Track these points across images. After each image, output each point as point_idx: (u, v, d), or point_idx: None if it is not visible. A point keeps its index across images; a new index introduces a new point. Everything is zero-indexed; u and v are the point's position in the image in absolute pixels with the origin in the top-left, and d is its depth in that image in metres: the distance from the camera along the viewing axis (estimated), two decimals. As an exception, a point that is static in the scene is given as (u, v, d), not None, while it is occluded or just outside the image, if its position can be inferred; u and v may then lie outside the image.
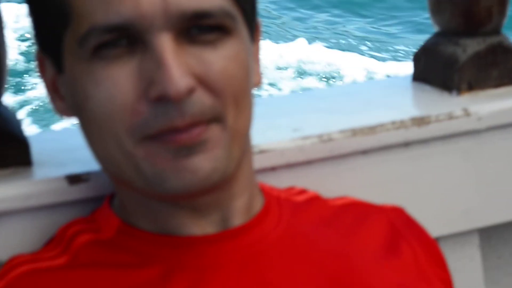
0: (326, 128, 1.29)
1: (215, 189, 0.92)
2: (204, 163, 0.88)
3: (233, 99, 0.91)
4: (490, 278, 1.59)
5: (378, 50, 11.68)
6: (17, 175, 1.15)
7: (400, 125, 1.33)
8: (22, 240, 1.13)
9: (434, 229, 1.19)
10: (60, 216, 1.10)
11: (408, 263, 1.08)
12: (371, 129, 1.31)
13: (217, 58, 0.89)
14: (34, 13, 0.97)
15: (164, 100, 0.85)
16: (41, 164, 1.19)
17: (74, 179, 1.12)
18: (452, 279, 1.14)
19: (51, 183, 1.13)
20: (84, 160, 1.10)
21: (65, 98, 0.99)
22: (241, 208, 0.99)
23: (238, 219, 0.98)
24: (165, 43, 0.85)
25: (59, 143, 1.29)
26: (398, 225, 1.13)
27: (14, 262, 1.01)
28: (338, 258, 1.05)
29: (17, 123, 1.25)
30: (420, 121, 1.35)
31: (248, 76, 0.95)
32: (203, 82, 0.88)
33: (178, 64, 0.85)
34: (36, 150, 1.20)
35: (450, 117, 1.38)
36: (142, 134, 0.87)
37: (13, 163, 1.17)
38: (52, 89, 1.01)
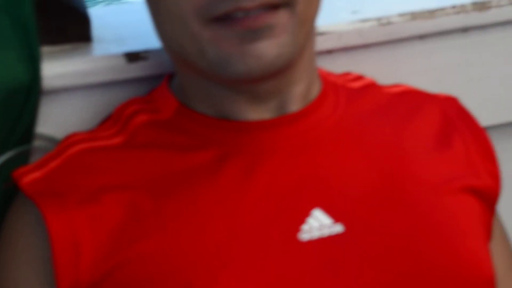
0: (385, 12, 1.27)
1: (277, 74, 0.92)
2: (270, 49, 0.88)
3: None
4: None
5: None
6: (76, 51, 1.16)
7: (460, 9, 1.30)
8: (78, 118, 1.15)
9: (485, 118, 1.19)
10: (117, 95, 1.12)
11: (459, 155, 1.08)
12: (431, 13, 1.29)
13: None
14: None
15: None
16: (101, 40, 1.19)
17: (133, 56, 1.13)
18: (500, 171, 1.13)
19: (110, 60, 1.13)
20: (145, 36, 1.11)
21: None
22: (299, 94, 1.00)
23: (295, 105, 0.99)
24: None
25: (121, 18, 1.28)
26: (451, 115, 1.12)
27: (71, 140, 1.03)
28: (391, 147, 1.06)
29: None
30: (481, 6, 1.32)
31: None
32: None
33: None
34: (97, 25, 1.20)
35: None
36: (210, 15, 0.87)
37: (73, 39, 1.17)
38: None
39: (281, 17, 0.87)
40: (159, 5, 0.93)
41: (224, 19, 0.86)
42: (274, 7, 0.86)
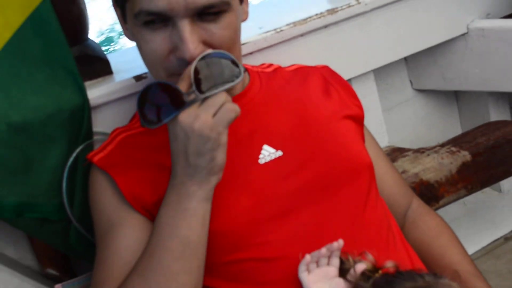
0: (277, 24, 1.63)
1: None
2: None
3: (227, 49, 1.11)
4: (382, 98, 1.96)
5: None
6: (104, 81, 1.45)
7: (320, 15, 1.67)
8: (115, 119, 1.40)
9: (346, 74, 1.49)
10: (132, 102, 1.28)
11: (336, 98, 1.35)
12: (304, 20, 1.65)
13: (217, 29, 1.10)
14: None
15: (183, 59, 1.08)
16: (118, 72, 1.46)
17: (138, 77, 1.43)
18: (361, 104, 1.41)
19: (126, 82, 1.43)
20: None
21: (128, 30, 1.20)
22: (238, 85, 1.23)
23: (238, 91, 1.26)
24: (185, 26, 1.07)
25: (128, 58, 1.49)
26: (326, 76, 1.40)
27: (116, 132, 1.28)
28: (297, 102, 1.31)
29: (100, 49, 1.50)
30: (332, 11, 1.68)
31: (236, 33, 1.16)
32: (208, 44, 1.10)
33: (192, 39, 1.06)
34: (114, 64, 1.48)
35: (349, 6, 1.71)
36: (170, 72, 1.13)
37: (101, 74, 1.47)
38: (121, 23, 1.22)
39: None
40: (145, 61, 1.18)
41: (178, 75, 1.09)
42: None
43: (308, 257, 1.06)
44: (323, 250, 1.06)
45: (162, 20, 1.08)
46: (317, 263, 1.08)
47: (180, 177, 1.05)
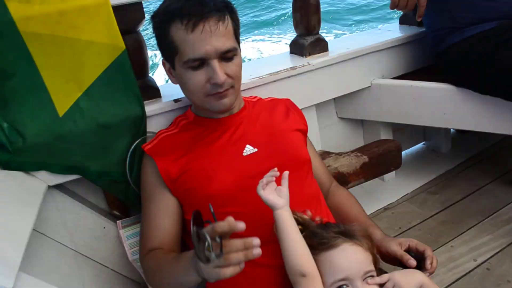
0: (260, 74, 1.60)
1: (229, 108, 1.22)
2: (227, 101, 1.19)
3: (237, 79, 1.17)
4: (319, 121, 1.94)
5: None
6: (155, 101, 1.43)
7: (286, 70, 1.66)
8: (160, 124, 1.39)
9: (299, 105, 1.44)
10: (172, 115, 1.38)
11: (291, 118, 1.33)
12: (276, 72, 1.63)
13: (233, 66, 1.15)
14: (160, 46, 1.20)
15: (216, 84, 1.13)
16: (164, 96, 1.46)
17: (177, 100, 1.42)
18: (307, 123, 1.38)
19: (168, 103, 1.41)
20: (179, 94, 1.31)
21: (174, 77, 1.22)
22: (236, 107, 1.28)
23: (235, 111, 1.28)
24: (216, 64, 1.11)
25: (173, 90, 1.43)
26: (288, 105, 1.39)
27: (160, 132, 1.30)
28: (268, 120, 1.31)
29: (154, 82, 1.47)
30: (293, 68, 1.68)
31: (241, 70, 1.19)
32: (228, 75, 1.14)
33: (220, 71, 1.11)
34: (162, 91, 1.47)
35: (303, 65, 1.69)
36: (207, 94, 1.16)
37: (154, 97, 1.46)
38: (169, 73, 1.23)
39: (230, 91, 1.18)
40: (187, 92, 1.21)
41: (213, 95, 1.16)
42: (228, 89, 1.17)
43: (263, 180, 1.03)
44: (270, 173, 1.04)
45: (201, 63, 1.11)
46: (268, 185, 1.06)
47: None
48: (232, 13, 1.15)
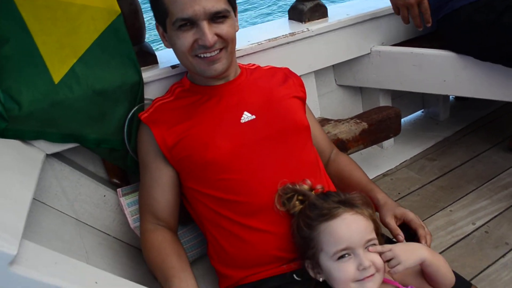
0: (259, 40, 1.58)
1: (223, 73, 1.20)
2: (219, 66, 1.17)
3: (230, 42, 1.14)
4: (318, 89, 1.94)
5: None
6: (153, 68, 1.41)
7: (284, 36, 1.63)
8: (157, 91, 1.39)
9: (298, 72, 1.44)
10: (170, 82, 1.36)
11: (290, 86, 1.32)
12: (275, 38, 1.61)
13: (224, 27, 1.12)
14: (153, 9, 1.18)
15: (204, 46, 1.11)
16: (161, 63, 1.44)
17: (174, 66, 1.40)
18: (306, 91, 1.36)
19: (165, 69, 1.37)
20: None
21: (167, 40, 1.19)
22: (232, 74, 1.26)
23: (232, 78, 1.26)
24: (204, 25, 1.09)
25: (170, 56, 1.36)
26: (286, 73, 1.38)
27: (156, 100, 1.27)
28: (266, 87, 1.29)
29: (151, 48, 1.46)
30: (292, 34, 1.65)
31: (234, 34, 1.17)
32: (219, 35, 1.12)
33: (209, 33, 1.09)
34: (159, 58, 1.44)
35: (302, 31, 1.67)
36: (194, 54, 1.14)
37: (151, 63, 1.42)
38: (162, 37, 1.21)
39: (221, 54, 1.15)
40: (177, 52, 1.18)
41: (200, 57, 1.13)
42: (219, 50, 1.14)
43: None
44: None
45: (190, 24, 1.09)
46: None
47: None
48: None
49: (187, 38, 1.10)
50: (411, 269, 0.99)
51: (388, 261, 0.93)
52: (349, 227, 0.92)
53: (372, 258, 0.91)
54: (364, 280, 0.90)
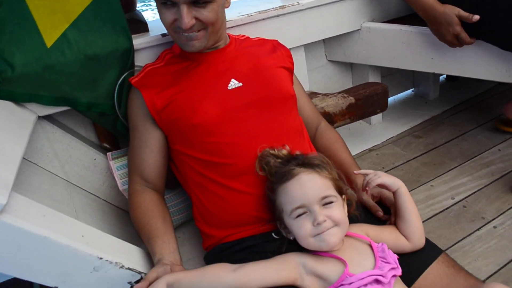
0: (249, 11, 1.59)
1: (202, 50, 1.21)
2: (196, 43, 1.19)
3: (210, 24, 1.15)
4: (308, 63, 1.93)
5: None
6: (143, 35, 1.43)
7: (274, 9, 1.64)
8: (147, 58, 1.39)
9: (288, 45, 1.44)
10: (160, 50, 1.38)
11: (278, 56, 1.34)
12: (265, 10, 1.62)
13: (205, 12, 1.13)
14: None
15: (181, 28, 1.13)
16: (152, 30, 1.45)
17: (164, 34, 1.41)
18: (294, 65, 1.38)
19: (156, 37, 1.41)
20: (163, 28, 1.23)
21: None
22: (222, 44, 1.28)
23: (221, 46, 1.28)
24: (184, 8, 1.10)
25: (161, 25, 1.29)
26: (275, 45, 1.40)
27: (146, 66, 1.29)
28: (254, 56, 1.30)
29: (142, 16, 1.47)
30: (282, 7, 1.65)
31: (218, 16, 1.16)
32: (198, 19, 1.13)
33: (187, 17, 1.11)
34: (150, 26, 1.47)
35: (292, 4, 1.67)
36: (175, 31, 1.17)
37: (141, 31, 1.45)
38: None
39: (201, 34, 1.18)
40: (163, 24, 1.19)
41: (180, 33, 1.16)
42: (196, 31, 1.16)
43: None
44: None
45: (171, 3, 1.11)
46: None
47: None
48: None
49: (168, 15, 1.13)
50: (386, 229, 1.05)
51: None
52: (303, 186, 0.95)
53: (329, 213, 0.94)
54: (322, 234, 0.93)
